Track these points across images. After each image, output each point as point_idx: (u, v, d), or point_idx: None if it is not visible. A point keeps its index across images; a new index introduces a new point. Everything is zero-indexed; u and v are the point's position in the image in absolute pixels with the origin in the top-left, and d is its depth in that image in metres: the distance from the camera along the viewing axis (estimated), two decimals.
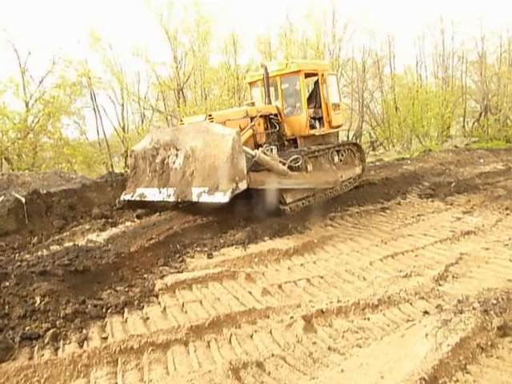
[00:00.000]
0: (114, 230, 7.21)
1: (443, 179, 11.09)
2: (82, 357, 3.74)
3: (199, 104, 13.84)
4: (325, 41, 18.63)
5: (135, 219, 7.97)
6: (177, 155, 7.76)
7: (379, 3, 36.78)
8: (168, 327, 4.20)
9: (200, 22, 13.88)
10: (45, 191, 8.41)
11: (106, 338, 4.19)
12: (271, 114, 9.48)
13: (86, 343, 4.10)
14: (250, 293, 5.10)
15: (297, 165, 8.25)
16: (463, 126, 22.78)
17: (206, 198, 6.87)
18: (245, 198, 7.50)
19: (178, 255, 6.37)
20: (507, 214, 7.84)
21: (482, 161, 14.24)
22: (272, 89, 9.94)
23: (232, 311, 4.50)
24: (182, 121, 8.98)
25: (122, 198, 8.52)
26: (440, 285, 5.02)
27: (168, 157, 7.93)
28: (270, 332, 4.19)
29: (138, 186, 8.30)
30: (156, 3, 14.58)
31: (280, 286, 5.23)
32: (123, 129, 14.42)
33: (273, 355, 3.75)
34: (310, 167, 8.82)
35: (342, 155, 10.17)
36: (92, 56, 14.88)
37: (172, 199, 7.45)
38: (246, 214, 7.86)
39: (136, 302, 4.90)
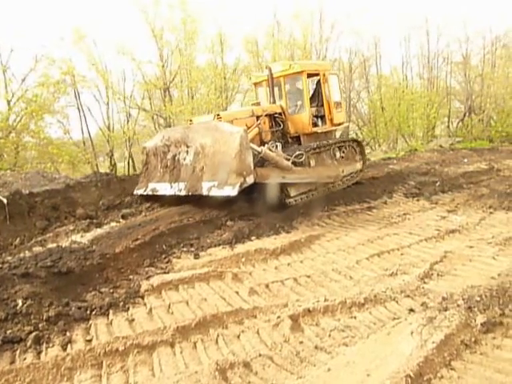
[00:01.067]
0: (99, 231, 7.13)
1: (428, 178, 11.17)
2: (66, 360, 3.68)
3: (186, 103, 13.76)
4: (312, 41, 18.70)
5: (120, 219, 7.89)
6: (187, 152, 8.20)
7: (366, 4, 37.03)
8: (154, 328, 4.15)
9: (187, 20, 13.77)
10: (27, 191, 8.30)
11: (90, 341, 4.12)
12: (276, 113, 9.94)
13: (69, 346, 4.03)
14: (236, 293, 5.08)
15: (300, 160, 8.67)
16: (448, 126, 23.03)
17: (215, 192, 7.31)
18: (249, 193, 7.82)
19: (164, 256, 6.30)
20: (490, 213, 7.92)
21: (466, 160, 14.39)
22: (276, 89, 10.34)
23: (219, 311, 4.47)
24: (191, 120, 9.38)
25: (134, 193, 8.99)
26: (425, 283, 5.04)
27: (179, 153, 8.37)
28: (257, 332, 4.17)
29: (150, 181, 8.76)
30: (141, 0, 14.44)
31: (267, 286, 5.21)
32: (108, 128, 14.23)
33: (260, 355, 3.73)
34: (312, 162, 9.25)
35: (344, 151, 10.56)
36: (76, 54, 14.63)
37: (183, 193, 7.86)
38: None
39: (121, 304, 4.83)
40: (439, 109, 21.17)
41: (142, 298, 5.04)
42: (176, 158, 8.38)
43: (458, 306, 4.11)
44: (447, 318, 3.85)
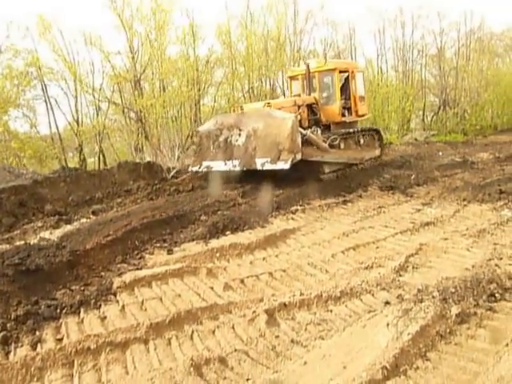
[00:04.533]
0: (69, 227, 6.93)
1: (403, 172, 11.26)
2: (36, 360, 3.53)
3: (157, 96, 13.41)
4: (286, 32, 18.53)
5: (91, 215, 7.69)
6: (239, 134, 9.60)
7: None
8: (127, 326, 4.03)
9: (157, 10, 13.39)
10: None
11: (60, 340, 3.98)
12: (312, 104, 11.28)
13: (39, 345, 3.88)
14: (211, 288, 4.99)
15: (335, 143, 10.39)
16: (423, 120, 23.27)
17: (269, 166, 8.93)
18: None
19: (136, 252, 6.13)
20: (464, 205, 8.02)
21: (440, 154, 14.59)
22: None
23: (193, 307, 4.37)
24: (241, 107, 10.67)
25: (189, 170, 10.55)
26: (400, 275, 5.05)
27: (231, 136, 9.77)
28: (233, 327, 4.10)
29: (204, 159, 10.13)
30: None
31: (242, 281, 5.14)
32: (77, 122, 13.76)
33: (235, 350, 3.66)
34: (342, 146, 10.87)
35: (366, 139, 12.27)
36: (43, 45, 13.85)
37: (238, 169, 9.45)
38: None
39: (92, 301, 4.67)
40: (414, 102, 21.30)
41: (114, 295, 4.89)
42: (228, 140, 9.75)
43: (433, 297, 4.12)
44: (422, 309, 3.85)
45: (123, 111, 13.76)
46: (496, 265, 5.03)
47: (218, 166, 9.77)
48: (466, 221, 7.09)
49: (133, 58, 13.27)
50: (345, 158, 10.81)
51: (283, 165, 8.70)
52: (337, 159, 10.43)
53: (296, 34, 18.93)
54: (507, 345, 3.36)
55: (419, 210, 7.89)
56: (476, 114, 22.90)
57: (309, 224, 7.36)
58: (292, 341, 3.81)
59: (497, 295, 4.22)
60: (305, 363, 3.40)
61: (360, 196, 9.20)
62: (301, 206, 8.34)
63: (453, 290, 4.22)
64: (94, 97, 13.62)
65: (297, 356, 3.56)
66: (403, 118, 20.99)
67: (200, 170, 10.13)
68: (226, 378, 3.32)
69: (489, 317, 3.87)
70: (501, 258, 5.27)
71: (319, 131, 10.43)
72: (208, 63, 15.30)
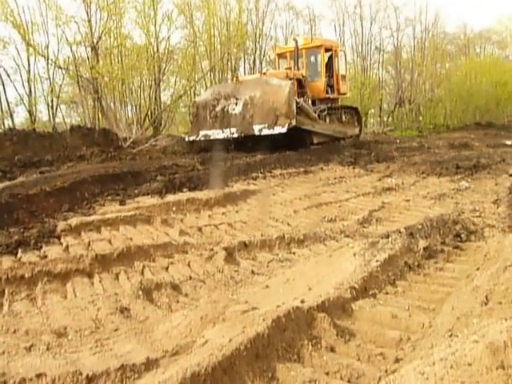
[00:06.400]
0: (12, 182, 6.33)
1: (363, 151, 11.27)
2: None
3: (115, 63, 12.69)
4: (248, 14, 18.32)
5: (39, 175, 7.10)
6: (236, 104, 10.00)
7: None
8: (68, 257, 3.62)
9: None
10: None
11: None
12: (301, 78, 11.76)
13: None
14: (166, 234, 4.63)
15: (323, 114, 11.18)
16: (380, 115, 23.59)
17: (266, 132, 9.40)
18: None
19: (85, 202, 5.66)
20: (423, 178, 8.02)
21: (398, 141, 14.85)
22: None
23: (144, 244, 4.01)
24: (237, 77, 11.07)
25: (186, 139, 10.83)
26: (364, 227, 4.89)
27: (228, 105, 10.16)
28: (188, 264, 3.80)
29: (201, 129, 10.49)
30: None
31: (200, 229, 4.82)
32: (30, 93, 12.79)
33: (190, 278, 3.35)
34: (327, 120, 11.53)
35: (347, 116, 13.02)
36: None
37: (235, 135, 9.87)
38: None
39: (32, 242, 4.20)
40: (372, 95, 21.48)
41: (58, 238, 4.44)
42: (225, 109, 10.15)
43: (400, 233, 3.97)
44: (390, 242, 3.69)
45: (78, 82, 12.88)
46: (459, 214, 4.97)
47: (216, 134, 10.17)
48: (426, 188, 7.06)
49: (89, 21, 12.39)
50: (331, 131, 11.51)
51: (280, 129, 9.18)
52: (325, 130, 11.08)
53: (258, 17, 18.70)
54: (478, 269, 3.22)
55: (380, 180, 7.83)
56: (430, 111, 23.48)
57: (270, 188, 7.12)
58: (253, 272, 3.54)
59: (462, 236, 4.12)
60: (267, 287, 3.13)
61: (321, 169, 9.04)
62: (261, 173, 8.10)
63: (419, 227, 4.09)
64: (47, 64, 12.59)
65: (258, 282, 3.29)
66: (362, 108, 21.15)
67: (197, 139, 10.50)
68: (180, 302, 2.99)
69: (456, 253, 3.75)
70: (463, 212, 5.22)
71: (310, 101, 11.14)
72: (169, 39, 14.64)
